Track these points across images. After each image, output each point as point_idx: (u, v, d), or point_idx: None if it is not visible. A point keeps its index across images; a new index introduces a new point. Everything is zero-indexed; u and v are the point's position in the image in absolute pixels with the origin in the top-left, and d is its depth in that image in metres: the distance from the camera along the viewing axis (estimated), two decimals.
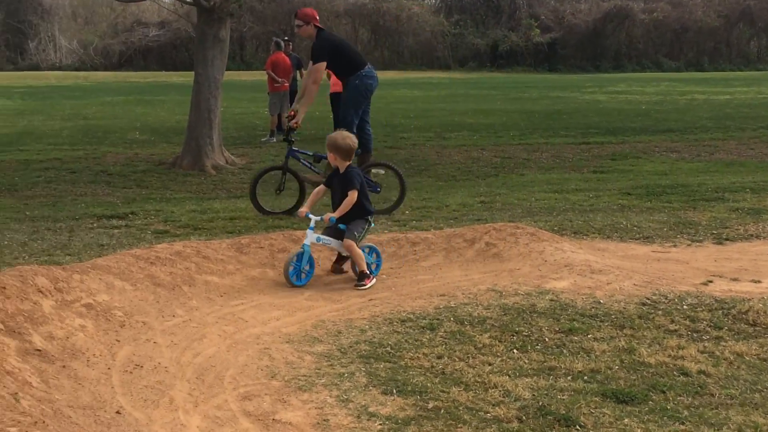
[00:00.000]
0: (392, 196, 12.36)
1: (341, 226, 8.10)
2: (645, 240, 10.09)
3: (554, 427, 5.01)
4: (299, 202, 11.79)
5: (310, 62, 12.44)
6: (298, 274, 7.93)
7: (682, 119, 26.87)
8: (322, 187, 8.47)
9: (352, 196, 8.12)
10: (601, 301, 7.33)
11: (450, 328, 6.71)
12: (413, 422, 5.07)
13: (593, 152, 19.91)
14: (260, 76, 40.80)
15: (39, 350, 5.59)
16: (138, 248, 8.38)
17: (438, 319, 6.91)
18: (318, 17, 12.46)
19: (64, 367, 5.56)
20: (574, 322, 6.84)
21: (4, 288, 6.00)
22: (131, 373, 5.67)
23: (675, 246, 9.77)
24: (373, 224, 8.54)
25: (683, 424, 5.10)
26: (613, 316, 6.99)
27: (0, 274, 6.32)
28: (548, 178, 16.17)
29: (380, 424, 5.04)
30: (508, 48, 68.60)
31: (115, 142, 21.74)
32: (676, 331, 6.72)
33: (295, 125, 11.93)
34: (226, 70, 18.48)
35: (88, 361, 5.76)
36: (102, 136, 23.01)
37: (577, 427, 5.03)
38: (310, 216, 8.09)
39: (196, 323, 6.76)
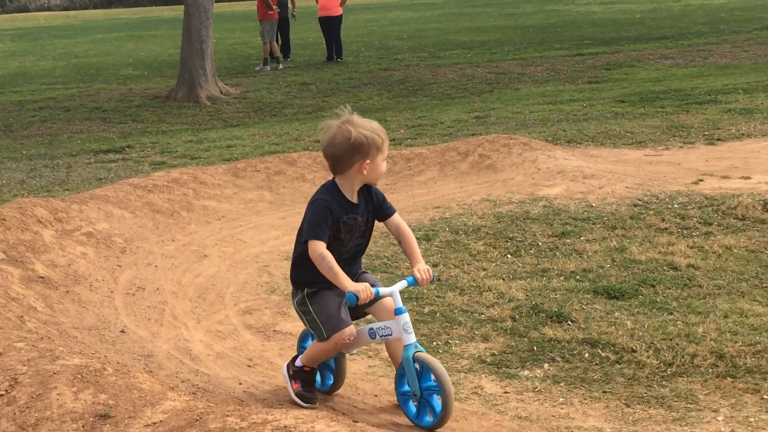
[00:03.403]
0: None
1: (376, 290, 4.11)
2: (638, 145, 10.16)
3: (546, 324, 5.15)
4: None
5: None
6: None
7: (676, 26, 26.69)
8: (320, 244, 4.07)
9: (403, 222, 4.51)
10: (594, 205, 7.44)
11: (445, 238, 6.83)
12: None
13: (587, 63, 19.85)
14: (251, 6, 40.45)
15: (42, 277, 5.73)
16: (135, 178, 8.48)
17: (433, 230, 7.03)
18: None
19: (67, 292, 5.70)
20: (567, 226, 6.96)
21: (4, 219, 6.12)
22: (134, 295, 5.81)
23: (667, 149, 9.85)
24: None
25: (672, 314, 5.25)
26: (605, 218, 7.10)
27: None
28: (542, 91, 16.18)
29: None
30: None
31: (108, 78, 21.70)
32: (666, 229, 6.84)
33: None
34: (217, 1, 18.36)
35: (90, 285, 5.90)
36: (95, 73, 22.96)
37: (569, 322, 5.17)
38: (384, 290, 4.16)
39: (195, 246, 6.89)
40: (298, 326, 5.27)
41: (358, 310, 4.25)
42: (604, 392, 4.40)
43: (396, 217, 4.43)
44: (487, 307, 5.47)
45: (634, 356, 4.73)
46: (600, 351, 4.79)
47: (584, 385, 4.48)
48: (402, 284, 4.20)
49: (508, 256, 6.44)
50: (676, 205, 7.29)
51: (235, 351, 4.94)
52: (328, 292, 4.11)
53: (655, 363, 4.65)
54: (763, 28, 24.05)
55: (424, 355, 4.00)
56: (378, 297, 4.10)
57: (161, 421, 3.07)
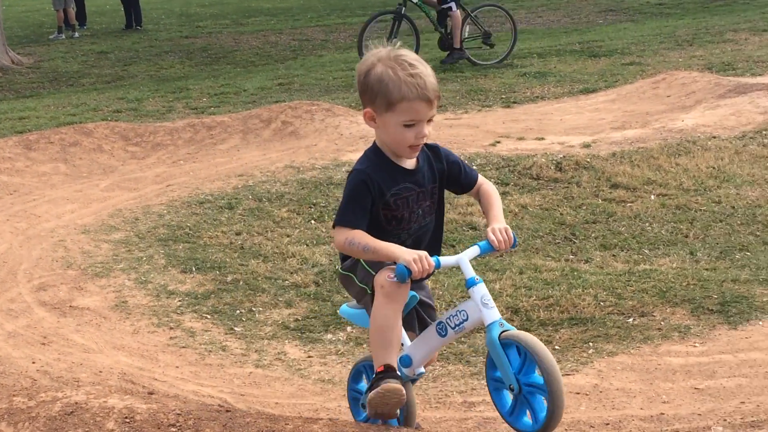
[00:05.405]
0: None
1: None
2: (439, 109, 10.29)
3: None
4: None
5: None
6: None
7: None
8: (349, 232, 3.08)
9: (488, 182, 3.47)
10: None
11: (248, 206, 6.77)
12: (213, 295, 5.16)
13: None
14: None
15: None
16: None
17: (236, 198, 6.95)
18: None
19: None
20: None
21: None
22: None
23: (466, 112, 10.07)
24: None
25: None
26: None
27: None
28: (345, 57, 16.23)
29: (179, 301, 5.11)
30: None
31: None
32: None
33: None
34: None
35: None
36: None
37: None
38: (446, 259, 3.11)
39: None
40: (96, 301, 5.12)
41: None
42: None
43: (482, 182, 3.36)
44: (291, 273, 5.47)
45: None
46: None
47: None
48: (473, 251, 3.10)
49: (312, 221, 6.45)
50: (474, 167, 7.46)
51: (28, 329, 4.75)
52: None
53: None
54: None
55: (518, 334, 2.91)
56: (438, 268, 3.02)
57: None
